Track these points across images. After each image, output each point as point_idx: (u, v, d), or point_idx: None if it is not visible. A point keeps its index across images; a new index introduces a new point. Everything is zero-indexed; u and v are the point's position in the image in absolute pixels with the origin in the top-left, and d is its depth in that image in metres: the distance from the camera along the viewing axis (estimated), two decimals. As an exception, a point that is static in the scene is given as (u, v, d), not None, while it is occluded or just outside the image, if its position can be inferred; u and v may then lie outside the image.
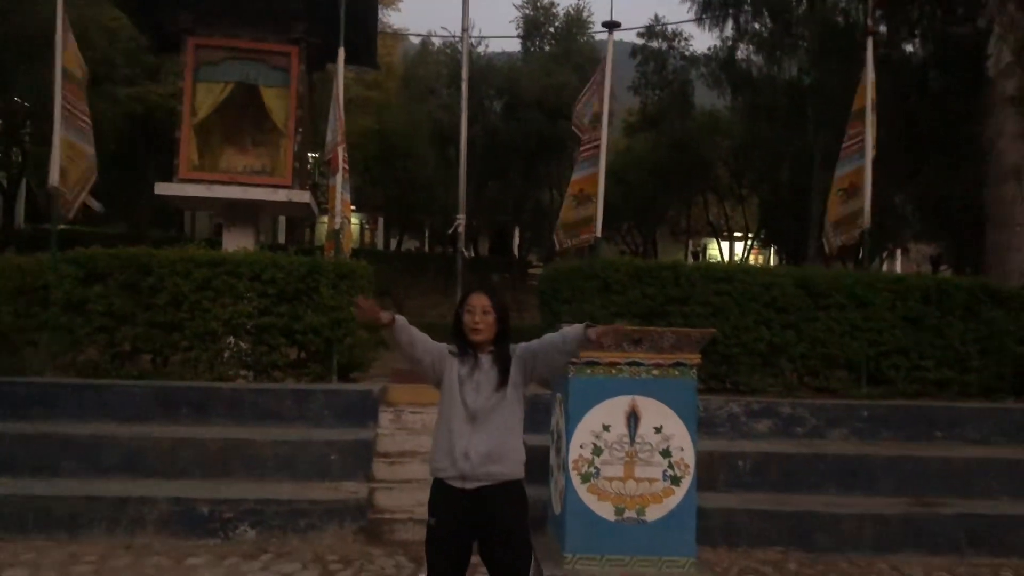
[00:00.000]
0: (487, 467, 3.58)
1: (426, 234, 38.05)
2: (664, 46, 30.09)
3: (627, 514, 5.33)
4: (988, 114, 10.09)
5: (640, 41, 29.61)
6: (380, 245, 39.37)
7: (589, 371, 5.38)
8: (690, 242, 39.45)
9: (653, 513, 5.33)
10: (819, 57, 20.51)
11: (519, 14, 30.01)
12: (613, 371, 5.39)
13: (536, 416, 7.30)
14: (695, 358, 5.44)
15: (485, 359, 3.72)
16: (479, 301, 3.74)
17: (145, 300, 7.89)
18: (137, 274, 7.90)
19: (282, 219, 29.06)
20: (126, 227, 26.92)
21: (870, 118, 8.42)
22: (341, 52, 8.78)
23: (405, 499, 6.52)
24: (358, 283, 8.19)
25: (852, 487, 6.78)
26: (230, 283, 7.95)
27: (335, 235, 8.52)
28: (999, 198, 9.90)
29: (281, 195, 10.30)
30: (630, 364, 5.39)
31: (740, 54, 28.75)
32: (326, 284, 7.97)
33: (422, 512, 6.38)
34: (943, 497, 6.70)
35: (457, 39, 28.33)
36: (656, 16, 30.21)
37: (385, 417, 7.54)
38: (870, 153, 8.34)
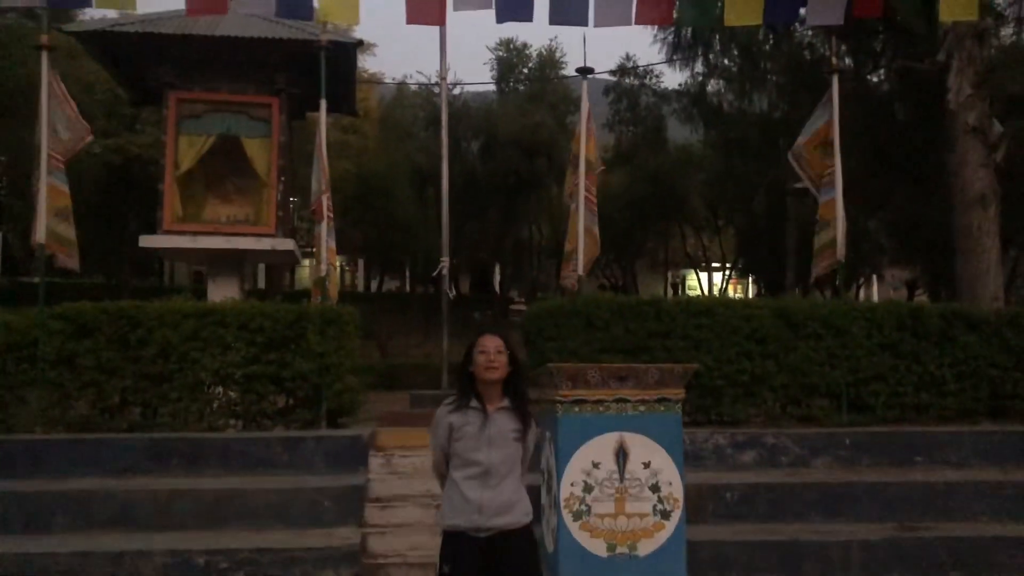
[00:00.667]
0: (499, 519, 3.67)
1: (407, 274, 38.14)
2: (636, 84, 30.63)
3: (619, 550, 5.43)
4: (952, 144, 10.41)
5: (613, 79, 30.14)
6: (361, 287, 39.41)
7: (577, 409, 5.51)
8: (669, 274, 39.80)
9: (645, 548, 5.44)
10: (788, 91, 20.98)
11: (493, 56, 30.52)
12: (600, 408, 5.52)
13: (525, 455, 7.43)
14: (679, 393, 5.59)
15: (498, 415, 3.75)
16: (492, 342, 3.78)
17: (134, 353, 7.95)
18: (126, 327, 7.98)
19: (262, 265, 29.14)
20: (105, 278, 26.88)
21: (837, 150, 8.67)
22: (323, 104, 8.98)
23: (398, 544, 6.59)
24: (345, 328, 8.29)
25: (837, 514, 6.91)
26: (218, 333, 8.04)
27: (322, 282, 8.65)
28: (966, 226, 10.19)
29: (265, 244, 10.44)
30: (616, 401, 5.52)
31: (711, 89, 29.28)
32: (313, 331, 8.06)
33: (416, 556, 6.48)
34: (926, 521, 6.84)
35: (433, 84, 28.82)
36: (627, 55, 30.79)
37: (375, 462, 7.61)
38: (840, 185, 8.58)
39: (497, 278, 37.03)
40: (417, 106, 29.12)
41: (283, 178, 10.63)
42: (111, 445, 7.43)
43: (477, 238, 30.35)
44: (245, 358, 8.06)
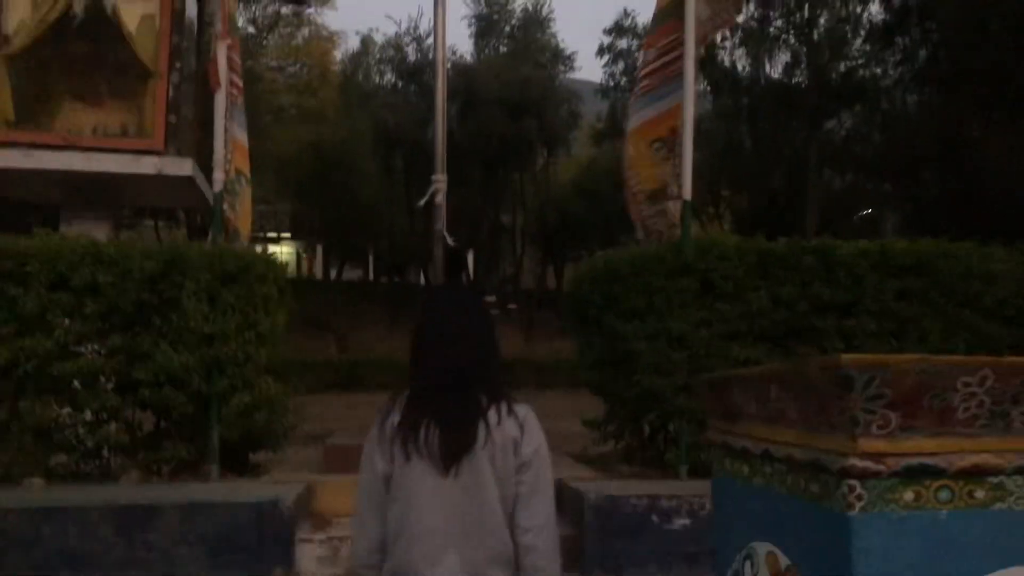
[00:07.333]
0: None
1: (370, 261, 34.34)
2: (634, 43, 27.09)
3: None
4: None
5: (607, 39, 26.67)
6: (320, 275, 35.52)
7: (908, 494, 1.74)
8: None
9: None
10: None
11: (471, 11, 26.82)
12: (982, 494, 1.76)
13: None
14: None
15: None
16: None
17: None
18: None
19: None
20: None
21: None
22: None
23: None
24: (259, 290, 4.46)
25: None
26: (11, 295, 4.20)
27: (217, 202, 4.71)
28: None
29: (147, 165, 6.52)
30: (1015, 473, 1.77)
31: (722, 53, 25.96)
32: (194, 292, 4.23)
33: None
34: None
35: (403, 33, 25.03)
36: (625, 10, 27.35)
37: (308, 551, 3.81)
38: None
39: (470, 267, 33.26)
40: (385, 61, 25.26)
41: (178, 65, 6.73)
42: None
43: (451, 217, 26.53)
44: (69, 341, 4.25)
